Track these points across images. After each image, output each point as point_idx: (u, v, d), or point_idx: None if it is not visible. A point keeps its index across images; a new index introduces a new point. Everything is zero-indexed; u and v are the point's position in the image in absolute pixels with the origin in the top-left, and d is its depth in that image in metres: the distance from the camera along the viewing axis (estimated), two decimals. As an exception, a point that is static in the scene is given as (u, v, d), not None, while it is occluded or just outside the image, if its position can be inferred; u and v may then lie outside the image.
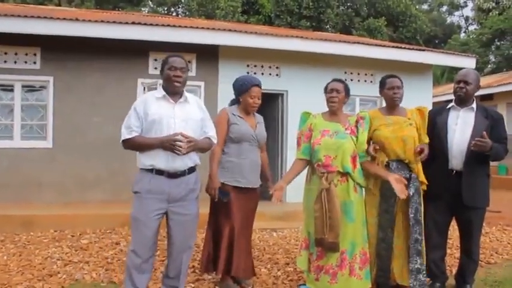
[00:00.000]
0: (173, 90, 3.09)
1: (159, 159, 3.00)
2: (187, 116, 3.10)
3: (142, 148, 3.05)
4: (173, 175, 3.05)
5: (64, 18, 6.58)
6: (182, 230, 3.15)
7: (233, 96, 3.94)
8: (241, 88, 3.78)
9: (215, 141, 3.33)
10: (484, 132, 3.43)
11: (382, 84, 3.76)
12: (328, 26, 20.57)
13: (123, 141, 3.07)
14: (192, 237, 3.30)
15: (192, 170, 3.15)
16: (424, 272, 3.49)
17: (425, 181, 3.59)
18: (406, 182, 3.42)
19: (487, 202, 3.72)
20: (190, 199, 3.15)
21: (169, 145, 2.94)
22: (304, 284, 3.70)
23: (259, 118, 3.95)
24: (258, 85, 3.79)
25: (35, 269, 4.18)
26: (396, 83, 3.66)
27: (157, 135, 2.99)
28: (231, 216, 3.64)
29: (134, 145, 3.07)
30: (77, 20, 6.61)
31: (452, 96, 3.84)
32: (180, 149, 2.93)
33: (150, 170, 3.03)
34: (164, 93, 3.09)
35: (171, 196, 3.05)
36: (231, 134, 3.70)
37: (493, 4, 25.14)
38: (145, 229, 3.03)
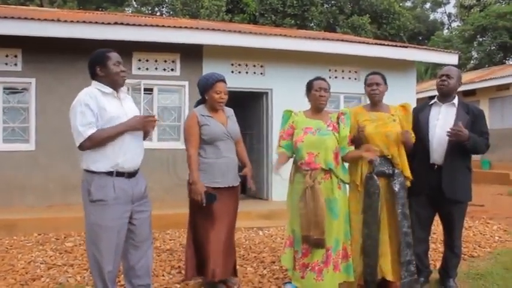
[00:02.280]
0: (116, 87, 2.99)
1: (122, 156, 2.89)
2: (132, 111, 3.07)
3: (109, 139, 2.85)
4: (131, 174, 2.98)
5: (45, 19, 6.50)
6: (146, 226, 3.11)
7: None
8: (206, 85, 3.69)
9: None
10: (459, 122, 3.47)
11: (365, 81, 3.80)
12: (312, 24, 20.62)
13: (86, 139, 2.81)
14: (152, 233, 3.26)
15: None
16: (413, 263, 3.56)
17: (410, 176, 3.63)
18: (378, 150, 3.43)
19: (469, 196, 3.76)
20: (147, 195, 3.13)
21: (140, 125, 2.95)
22: (290, 282, 3.71)
23: (229, 111, 3.85)
24: (223, 80, 3.72)
25: (18, 273, 4.12)
26: (375, 80, 3.70)
27: None
28: (213, 218, 3.58)
29: (98, 140, 2.83)
30: (58, 20, 6.53)
31: (435, 93, 3.89)
32: (154, 124, 3.02)
33: (110, 173, 2.88)
34: (111, 89, 2.96)
35: (134, 196, 2.99)
36: (203, 135, 3.62)
37: (474, 1, 25.48)
38: (117, 236, 2.91)
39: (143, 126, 2.96)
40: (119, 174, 2.91)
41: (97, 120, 2.85)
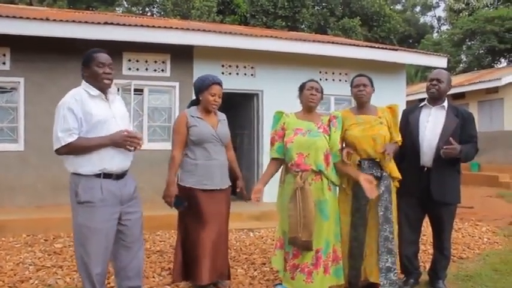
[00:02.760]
0: (103, 88, 2.92)
1: (110, 161, 2.84)
2: (121, 113, 3.02)
3: (89, 150, 2.80)
4: (120, 176, 2.94)
5: (34, 18, 6.43)
6: (137, 228, 3.08)
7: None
8: (202, 85, 3.69)
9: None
10: (451, 138, 3.49)
11: (351, 83, 3.81)
12: (303, 26, 20.69)
13: (63, 146, 2.76)
14: (142, 234, 3.24)
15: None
16: (395, 271, 3.53)
17: (399, 176, 3.63)
18: (376, 182, 3.46)
19: (457, 199, 3.80)
20: (136, 196, 3.09)
21: (123, 142, 2.82)
22: (281, 284, 3.71)
23: (221, 116, 3.85)
24: (219, 83, 3.73)
25: (6, 275, 4.07)
26: (361, 81, 3.71)
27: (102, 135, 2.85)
28: (202, 220, 3.56)
29: (77, 148, 2.78)
30: (47, 19, 6.47)
31: (426, 95, 3.92)
32: (135, 144, 2.86)
33: (98, 175, 2.83)
34: (99, 91, 2.89)
35: (123, 197, 2.95)
36: (191, 136, 3.60)
37: (463, 5, 25.72)
38: (105, 238, 2.87)
39: (125, 144, 2.84)
40: (106, 176, 2.86)
41: (81, 126, 2.80)
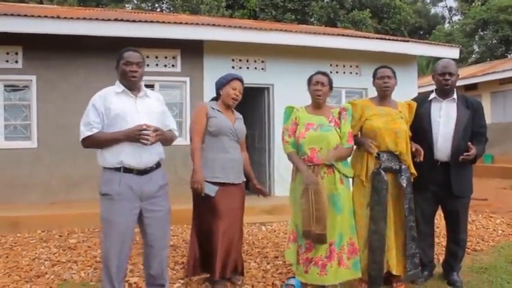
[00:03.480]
0: (129, 85, 3.01)
1: (126, 155, 2.90)
2: (149, 109, 3.04)
3: (106, 144, 2.92)
4: (142, 172, 2.97)
5: (46, 16, 6.48)
6: (159, 226, 3.08)
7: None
8: (224, 80, 3.75)
9: (177, 133, 3.30)
10: (469, 143, 3.55)
11: (374, 75, 3.78)
12: (313, 19, 20.59)
13: (84, 139, 2.95)
14: (168, 232, 3.26)
15: (158, 164, 3.10)
16: (417, 256, 3.59)
17: (415, 173, 3.63)
18: (318, 177, 3.43)
19: (471, 190, 3.80)
20: (162, 194, 3.10)
21: (135, 135, 2.85)
22: (294, 277, 3.71)
23: (238, 115, 3.89)
24: (241, 80, 3.78)
25: (22, 270, 4.13)
26: (387, 73, 3.68)
27: (121, 130, 2.91)
28: (216, 214, 3.56)
29: (96, 142, 2.94)
30: (58, 17, 6.51)
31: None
32: (148, 137, 2.86)
33: (118, 169, 2.92)
34: (123, 88, 3.00)
35: (144, 194, 2.97)
36: (209, 127, 3.62)
37: (476, -5, 25.42)
38: (121, 232, 2.92)
39: (138, 138, 2.87)
40: (127, 170, 2.93)
41: (102, 120, 2.94)
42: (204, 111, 3.66)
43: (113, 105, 2.93)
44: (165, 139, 3.11)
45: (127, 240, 2.98)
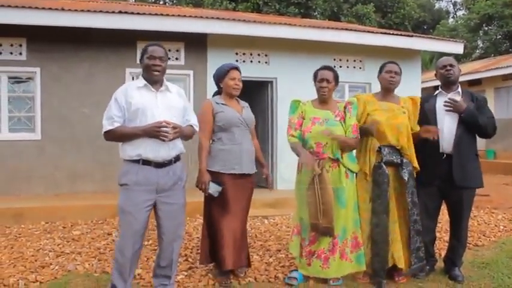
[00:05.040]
0: (152, 79, 3.05)
1: (145, 148, 2.95)
2: (169, 104, 3.08)
3: (126, 138, 2.99)
4: (160, 164, 3.02)
5: (50, 8, 6.47)
6: (171, 219, 3.13)
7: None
8: (221, 73, 3.78)
9: (197, 128, 3.31)
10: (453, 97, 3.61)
11: (381, 69, 3.81)
12: (316, 13, 20.50)
13: (105, 132, 3.01)
14: (181, 226, 3.30)
15: (177, 158, 3.14)
16: (422, 249, 3.64)
17: (417, 167, 3.65)
18: (315, 161, 3.44)
19: (479, 182, 3.78)
20: (178, 188, 3.14)
21: (154, 132, 2.90)
22: (296, 270, 3.74)
23: (244, 103, 3.92)
24: (237, 68, 3.80)
25: (27, 261, 4.17)
26: (394, 69, 3.73)
27: (141, 124, 2.95)
28: (227, 206, 3.62)
29: (117, 136, 3.01)
30: (63, 9, 6.51)
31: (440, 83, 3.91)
32: (167, 134, 2.90)
33: (137, 161, 2.98)
34: (145, 82, 3.05)
35: (160, 186, 3.02)
36: (218, 122, 3.66)
37: (481, -11, 25.22)
38: (135, 221, 2.98)
39: (157, 135, 2.92)
40: (146, 162, 2.98)
41: (124, 114, 2.99)
42: (210, 109, 3.69)
43: (134, 100, 2.97)
44: (184, 135, 3.15)
45: (139, 231, 3.02)
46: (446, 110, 3.60)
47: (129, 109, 2.98)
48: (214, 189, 3.58)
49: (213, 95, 3.95)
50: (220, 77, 3.79)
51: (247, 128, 3.79)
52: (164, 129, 2.90)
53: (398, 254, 3.59)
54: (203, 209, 3.82)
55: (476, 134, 3.76)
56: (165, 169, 3.04)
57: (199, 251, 4.14)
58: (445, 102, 3.58)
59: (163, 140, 2.93)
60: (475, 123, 3.65)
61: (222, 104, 3.73)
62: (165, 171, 3.04)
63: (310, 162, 3.41)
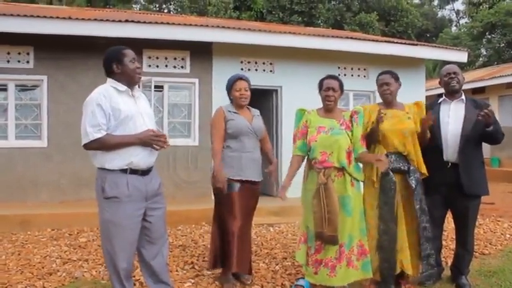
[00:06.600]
0: (134, 84, 3.00)
1: (136, 157, 2.87)
2: (146, 110, 3.05)
3: (116, 147, 2.83)
4: (145, 172, 2.97)
5: (57, 17, 6.55)
6: (161, 223, 3.12)
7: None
8: (228, 85, 3.94)
9: None
10: (490, 107, 3.54)
11: (376, 82, 3.83)
12: (319, 21, 20.61)
13: (92, 141, 2.78)
14: (166, 230, 3.27)
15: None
16: (433, 256, 3.64)
17: (426, 173, 3.65)
18: (386, 160, 3.47)
19: (485, 190, 3.79)
20: (161, 192, 3.13)
21: (150, 141, 2.87)
22: (303, 278, 3.74)
23: (255, 111, 4.03)
24: (242, 78, 3.93)
25: (35, 267, 4.19)
26: (385, 80, 3.73)
27: (130, 132, 2.86)
28: (234, 212, 3.70)
29: (108, 144, 2.81)
30: (69, 18, 6.58)
31: (443, 91, 3.93)
32: (163, 145, 2.90)
33: (124, 170, 2.86)
34: (126, 87, 2.93)
35: (149, 193, 2.98)
36: (229, 130, 3.77)
37: (484, -2, 25.34)
38: (131, 233, 2.91)
39: (153, 143, 2.89)
40: (133, 171, 2.89)
41: (109, 121, 2.82)
42: (222, 116, 3.80)
43: (121, 106, 2.84)
44: None
45: (135, 241, 2.99)
46: (479, 121, 3.53)
47: (117, 116, 2.83)
48: (232, 186, 3.70)
49: (228, 103, 4.03)
50: (227, 89, 3.94)
51: (256, 137, 3.88)
52: (163, 139, 2.90)
53: (407, 261, 3.58)
54: (213, 212, 3.92)
55: (488, 142, 3.76)
56: (149, 176, 3.01)
57: (205, 259, 4.16)
58: (484, 113, 3.46)
59: (157, 149, 2.93)
60: (495, 137, 3.67)
61: (234, 112, 3.84)
62: (149, 178, 3.00)
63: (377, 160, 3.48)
